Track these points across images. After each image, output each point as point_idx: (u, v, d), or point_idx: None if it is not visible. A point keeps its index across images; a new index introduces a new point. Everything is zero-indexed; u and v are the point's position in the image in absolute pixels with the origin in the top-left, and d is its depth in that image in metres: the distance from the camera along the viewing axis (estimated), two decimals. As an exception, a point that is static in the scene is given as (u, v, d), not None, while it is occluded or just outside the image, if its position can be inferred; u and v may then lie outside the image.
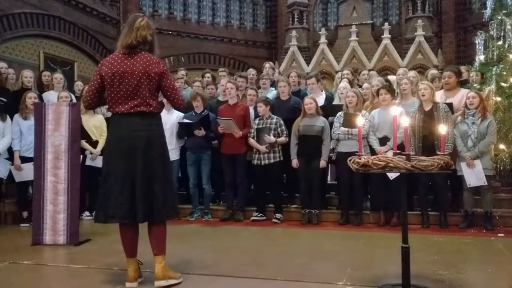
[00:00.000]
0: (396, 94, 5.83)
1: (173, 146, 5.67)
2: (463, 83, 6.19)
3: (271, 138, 5.60)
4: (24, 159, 5.47)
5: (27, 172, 5.28)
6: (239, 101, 6.04)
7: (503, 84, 5.73)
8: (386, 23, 13.09)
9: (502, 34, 6.06)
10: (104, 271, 3.34)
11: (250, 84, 6.80)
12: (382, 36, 12.65)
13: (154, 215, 2.91)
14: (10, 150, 5.60)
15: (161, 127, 3.07)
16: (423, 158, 2.79)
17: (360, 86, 6.51)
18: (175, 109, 5.78)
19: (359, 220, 5.50)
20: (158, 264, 2.91)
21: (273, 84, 6.93)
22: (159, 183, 2.93)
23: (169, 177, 3.09)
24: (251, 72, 7.22)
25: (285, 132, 5.70)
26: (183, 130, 5.80)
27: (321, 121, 5.60)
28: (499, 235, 4.77)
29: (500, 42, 6.07)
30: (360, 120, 3.17)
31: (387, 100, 5.40)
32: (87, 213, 5.92)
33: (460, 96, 5.58)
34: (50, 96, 6.26)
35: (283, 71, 10.85)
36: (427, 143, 5.09)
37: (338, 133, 5.45)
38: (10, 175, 5.62)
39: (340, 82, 6.62)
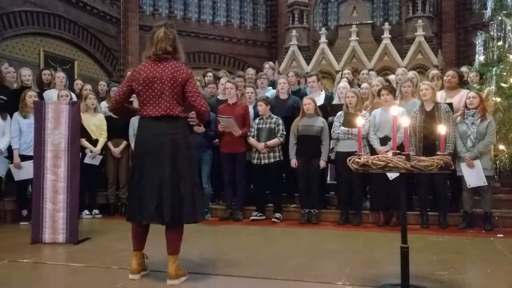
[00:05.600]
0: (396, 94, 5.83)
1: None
2: (464, 84, 6.19)
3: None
4: (24, 158, 5.45)
5: (26, 171, 5.27)
6: (238, 101, 6.03)
7: (503, 84, 5.73)
8: (386, 23, 13.08)
9: (502, 34, 6.06)
10: (103, 270, 3.34)
11: (248, 83, 6.78)
12: (382, 36, 12.63)
13: (183, 217, 2.98)
14: (9, 149, 5.59)
15: (187, 131, 3.16)
16: (422, 158, 2.79)
17: (360, 86, 6.50)
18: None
19: (359, 220, 5.50)
20: (172, 264, 2.99)
21: (273, 84, 6.92)
22: (186, 185, 2.99)
23: (196, 179, 3.17)
24: (250, 71, 7.21)
25: (281, 132, 5.68)
26: None
27: (320, 121, 5.60)
28: (498, 235, 4.77)
29: (500, 43, 6.07)
30: (360, 120, 3.17)
31: (389, 100, 5.40)
32: (86, 211, 5.92)
33: (460, 96, 5.58)
34: (52, 94, 6.23)
35: (283, 70, 10.83)
36: (428, 143, 5.07)
37: (338, 133, 5.45)
38: (10, 174, 5.61)
39: (340, 82, 6.62)
